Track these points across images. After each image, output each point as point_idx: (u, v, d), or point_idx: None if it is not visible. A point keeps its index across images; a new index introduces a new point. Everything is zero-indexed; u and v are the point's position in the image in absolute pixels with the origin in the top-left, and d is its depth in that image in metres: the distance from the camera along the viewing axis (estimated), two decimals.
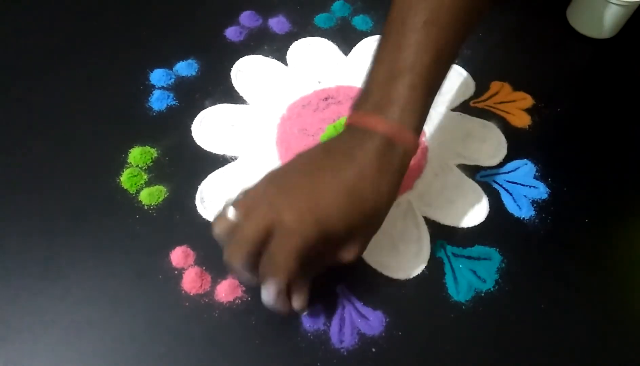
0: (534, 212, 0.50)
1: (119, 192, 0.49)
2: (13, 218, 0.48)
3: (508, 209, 0.50)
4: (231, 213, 0.37)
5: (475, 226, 0.49)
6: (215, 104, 0.56)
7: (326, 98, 0.57)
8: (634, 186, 0.53)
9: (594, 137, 0.56)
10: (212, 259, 0.46)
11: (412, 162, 0.40)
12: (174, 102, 0.56)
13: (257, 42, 0.62)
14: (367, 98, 0.40)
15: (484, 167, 0.53)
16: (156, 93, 0.56)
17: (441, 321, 0.44)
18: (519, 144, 0.55)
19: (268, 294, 0.38)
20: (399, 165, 0.39)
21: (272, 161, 0.52)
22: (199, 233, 0.47)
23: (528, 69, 0.61)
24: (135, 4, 0.65)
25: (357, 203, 0.37)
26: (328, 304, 0.44)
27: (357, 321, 0.43)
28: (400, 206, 0.49)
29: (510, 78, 0.59)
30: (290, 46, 0.61)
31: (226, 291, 0.44)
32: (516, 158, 0.54)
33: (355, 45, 0.62)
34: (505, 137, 0.55)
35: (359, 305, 0.44)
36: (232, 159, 0.52)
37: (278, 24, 0.63)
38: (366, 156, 0.37)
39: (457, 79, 0.59)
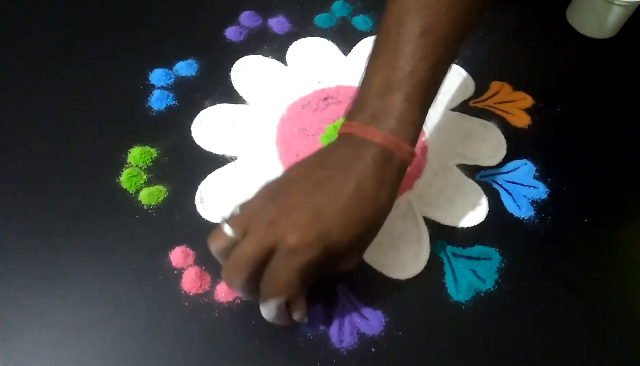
0: (533, 212, 0.50)
1: (118, 192, 0.49)
2: (13, 218, 0.48)
3: (508, 209, 0.50)
4: (228, 229, 0.37)
5: (475, 226, 0.49)
6: (215, 104, 0.56)
7: (326, 98, 0.57)
8: (634, 186, 0.53)
9: (593, 137, 0.56)
10: (211, 259, 0.45)
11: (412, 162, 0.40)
12: (174, 102, 0.56)
13: (257, 42, 0.62)
14: (362, 108, 0.39)
15: (484, 167, 0.53)
16: (156, 93, 0.56)
17: (441, 321, 0.44)
18: (518, 144, 0.55)
19: (269, 311, 0.38)
20: (396, 176, 0.39)
21: (272, 161, 0.52)
22: (198, 233, 0.47)
23: (528, 69, 0.61)
24: (135, 4, 0.65)
25: (357, 216, 0.37)
26: (328, 304, 0.44)
27: (356, 321, 0.43)
28: (400, 206, 0.49)
29: (510, 78, 0.59)
30: (290, 46, 0.62)
31: (226, 291, 0.44)
32: (516, 158, 0.54)
33: (355, 45, 0.62)
34: (505, 137, 0.55)
35: (358, 305, 0.44)
36: (231, 159, 0.52)
37: (278, 24, 0.63)
38: (364, 168, 0.37)
39: (457, 79, 0.59)
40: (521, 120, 0.56)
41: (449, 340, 0.43)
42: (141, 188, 0.50)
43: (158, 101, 0.56)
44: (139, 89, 0.57)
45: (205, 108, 0.56)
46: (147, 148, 0.52)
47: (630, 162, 0.55)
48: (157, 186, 0.50)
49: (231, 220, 0.37)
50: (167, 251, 0.46)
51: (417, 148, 0.40)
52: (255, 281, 0.37)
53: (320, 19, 0.64)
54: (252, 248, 0.35)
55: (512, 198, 0.51)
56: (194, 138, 0.53)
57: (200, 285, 0.45)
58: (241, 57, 0.60)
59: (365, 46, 0.62)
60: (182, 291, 0.44)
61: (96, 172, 0.50)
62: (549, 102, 0.58)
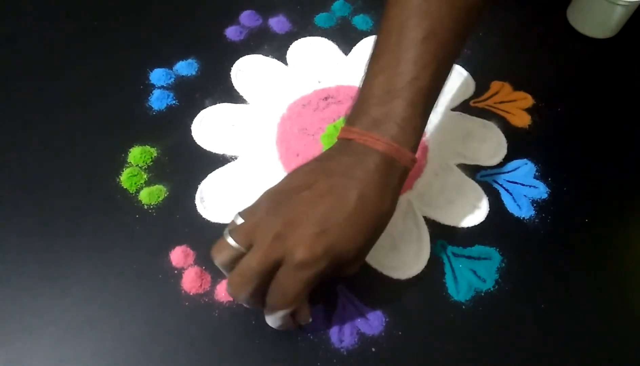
0: (534, 212, 0.50)
1: (118, 192, 0.49)
2: (13, 218, 0.48)
3: (508, 209, 0.50)
4: (232, 241, 0.36)
5: (475, 226, 0.49)
6: (215, 104, 0.56)
7: (326, 98, 0.57)
8: (634, 186, 0.53)
9: (594, 136, 0.56)
10: (211, 259, 0.46)
11: None
12: (174, 102, 0.56)
13: (257, 42, 0.62)
14: (363, 113, 0.39)
15: (484, 166, 0.53)
16: (156, 92, 0.56)
17: (441, 321, 0.44)
18: (519, 144, 0.54)
19: (275, 321, 0.38)
20: (398, 182, 0.39)
21: (272, 160, 0.52)
22: (198, 233, 0.47)
23: (528, 68, 0.61)
24: (135, 3, 0.65)
25: (362, 226, 0.37)
26: (328, 304, 0.44)
27: (357, 321, 0.43)
28: (400, 206, 0.49)
29: (510, 78, 0.59)
30: (291, 46, 0.61)
31: (226, 291, 0.44)
32: (516, 158, 0.54)
33: (355, 44, 0.62)
34: (506, 137, 0.55)
35: (359, 304, 0.44)
36: (232, 159, 0.52)
37: (278, 23, 0.63)
38: (367, 176, 0.37)
39: (457, 78, 0.59)
40: (521, 119, 0.56)
41: (449, 340, 0.43)
42: (141, 188, 0.50)
43: (158, 101, 0.56)
44: (139, 88, 0.57)
45: (206, 107, 0.56)
46: (148, 147, 0.52)
47: (630, 162, 0.55)
48: (157, 186, 0.50)
49: (235, 230, 0.37)
50: (167, 251, 0.46)
51: (418, 148, 0.40)
52: (260, 293, 0.37)
53: (320, 19, 0.64)
54: (258, 262, 0.35)
55: (513, 198, 0.51)
56: (194, 138, 0.53)
57: (201, 285, 0.45)
58: (241, 56, 0.60)
59: (365, 46, 0.62)
60: (182, 291, 0.44)
61: (96, 172, 0.50)
62: (549, 102, 0.58)
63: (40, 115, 0.54)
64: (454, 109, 0.57)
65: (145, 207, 0.49)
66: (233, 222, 0.38)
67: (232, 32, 0.62)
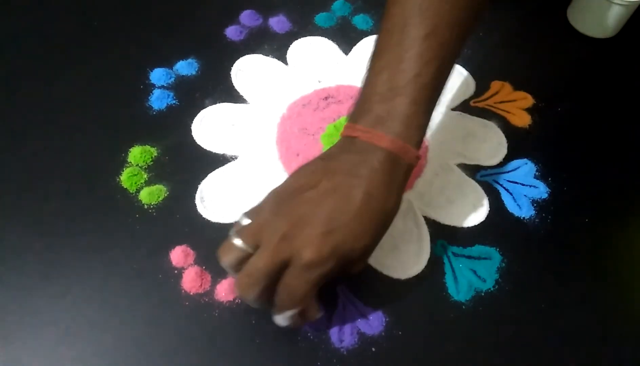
0: (534, 212, 0.50)
1: (118, 191, 0.49)
2: (13, 218, 0.48)
3: (508, 209, 0.50)
4: (239, 242, 0.36)
5: (475, 225, 0.49)
6: (215, 103, 0.56)
7: (326, 98, 0.57)
8: (634, 186, 0.53)
9: (594, 136, 0.56)
10: (212, 258, 0.46)
11: None
12: (174, 101, 0.56)
13: (257, 41, 0.62)
14: (366, 111, 0.39)
15: (484, 166, 0.53)
16: (156, 92, 0.56)
17: (441, 321, 0.44)
18: (519, 144, 0.54)
19: (284, 320, 0.38)
20: (402, 179, 0.39)
21: (273, 160, 0.52)
22: (199, 233, 0.47)
23: (528, 68, 0.61)
24: (136, 3, 0.64)
25: (368, 224, 0.37)
26: (328, 304, 0.44)
27: (357, 321, 0.43)
28: (400, 206, 0.49)
29: (510, 77, 0.59)
30: (291, 45, 0.61)
31: (226, 290, 0.44)
32: (516, 158, 0.54)
33: (355, 44, 0.62)
34: (506, 137, 0.55)
35: (359, 304, 0.44)
36: (232, 158, 0.52)
37: (278, 23, 0.63)
38: (371, 174, 0.37)
39: (457, 78, 0.59)
40: (522, 119, 0.56)
41: (449, 339, 0.43)
42: (141, 188, 0.50)
43: (158, 100, 0.56)
44: (140, 88, 0.57)
45: (206, 107, 0.56)
46: (148, 147, 0.52)
47: (630, 162, 0.55)
48: (157, 185, 0.50)
49: (241, 231, 0.37)
50: (168, 250, 0.46)
51: (419, 161, 0.40)
52: (268, 294, 0.37)
53: (320, 18, 0.64)
54: (265, 262, 0.35)
55: (513, 197, 0.51)
56: (195, 138, 0.53)
57: (201, 285, 0.45)
58: (241, 56, 0.60)
59: (365, 45, 0.62)
60: (183, 291, 0.44)
61: (96, 171, 0.50)
62: (549, 102, 0.58)
63: (41, 115, 0.54)
64: (454, 109, 0.57)
65: (146, 206, 0.49)
66: (238, 222, 0.38)
67: (232, 32, 0.62)
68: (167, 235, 0.47)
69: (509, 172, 0.53)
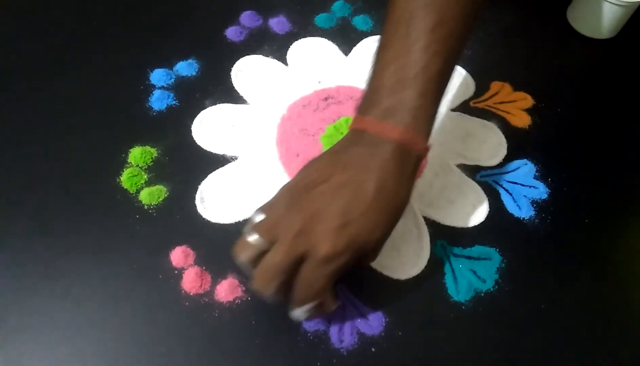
0: (533, 212, 0.50)
1: (119, 192, 0.49)
2: (13, 218, 0.48)
3: (508, 209, 0.50)
4: (254, 239, 0.37)
5: (475, 226, 0.49)
6: (215, 104, 0.56)
7: (326, 98, 0.57)
8: (634, 186, 0.53)
9: (594, 137, 0.56)
10: (212, 259, 0.46)
11: None
12: (174, 102, 0.56)
13: (257, 42, 0.62)
14: (375, 104, 0.39)
15: (484, 167, 0.53)
16: (156, 93, 0.56)
17: (441, 321, 0.44)
18: (519, 144, 0.55)
19: (302, 314, 0.38)
20: (413, 169, 0.39)
21: (273, 161, 0.52)
22: (199, 233, 0.47)
23: (528, 69, 0.61)
24: (136, 4, 0.65)
25: (381, 216, 0.37)
26: None
27: (357, 321, 0.43)
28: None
29: (510, 78, 0.59)
30: (291, 46, 0.62)
31: (226, 291, 0.44)
32: (516, 159, 0.54)
33: (355, 45, 0.62)
34: (506, 137, 0.55)
35: (359, 304, 0.44)
36: (232, 159, 0.52)
37: (278, 24, 0.63)
38: (383, 167, 0.37)
39: (457, 79, 0.59)
40: (521, 120, 0.56)
41: (449, 340, 0.43)
42: (142, 188, 0.50)
43: (158, 101, 0.56)
44: (140, 88, 0.57)
45: (206, 108, 0.56)
46: (148, 148, 0.52)
47: (630, 162, 0.55)
48: (157, 186, 0.50)
49: (256, 228, 0.37)
50: (168, 251, 0.46)
51: (428, 151, 0.40)
52: (285, 288, 0.37)
53: (320, 19, 0.64)
54: (282, 257, 0.36)
55: (513, 198, 0.51)
56: (195, 138, 0.53)
57: (201, 285, 0.45)
58: (242, 57, 0.60)
59: (365, 46, 0.62)
60: (183, 291, 0.44)
61: (97, 172, 0.50)
62: (549, 102, 0.58)
63: (41, 116, 0.54)
64: (454, 109, 0.57)
65: (146, 207, 0.49)
66: (252, 219, 0.38)
67: (232, 33, 0.62)
68: (167, 236, 0.47)
69: (508, 172, 0.53)
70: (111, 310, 0.43)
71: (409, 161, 0.38)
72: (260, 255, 0.37)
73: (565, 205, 0.51)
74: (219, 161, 0.52)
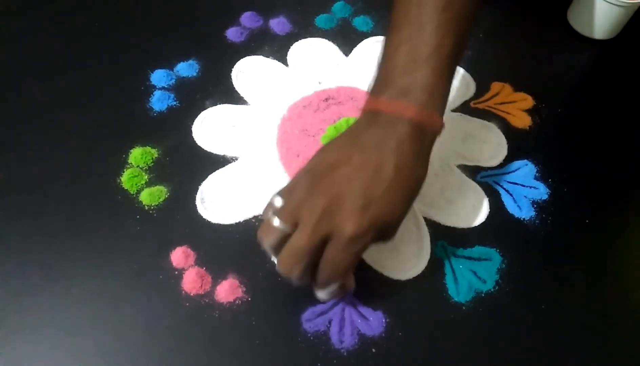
0: (534, 213, 0.50)
1: (119, 192, 0.49)
2: (14, 218, 0.48)
3: (508, 210, 0.50)
4: (278, 223, 0.37)
5: (475, 226, 0.49)
6: (215, 105, 0.56)
7: (327, 99, 0.57)
8: (634, 186, 0.53)
9: (594, 137, 0.56)
10: (212, 259, 0.46)
11: None
12: (175, 103, 0.56)
13: (257, 43, 0.62)
14: (389, 84, 0.40)
15: (485, 167, 0.53)
16: (157, 93, 0.56)
17: (441, 322, 0.44)
18: (519, 145, 0.55)
19: (327, 294, 0.39)
20: (429, 147, 0.40)
21: (273, 162, 0.52)
22: (199, 234, 0.47)
23: (529, 69, 0.61)
24: (136, 4, 0.65)
25: (401, 195, 0.38)
26: (328, 304, 0.44)
27: (357, 322, 0.43)
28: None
29: (510, 79, 0.59)
30: (291, 47, 0.62)
31: (226, 291, 0.44)
32: (517, 159, 0.54)
33: (355, 46, 0.62)
34: (506, 138, 0.55)
35: (359, 305, 0.44)
36: (232, 160, 0.52)
37: (279, 24, 0.63)
38: (401, 146, 0.38)
39: (457, 79, 0.59)
40: (522, 120, 0.56)
41: (449, 340, 0.43)
42: (142, 189, 0.50)
43: (159, 102, 0.56)
44: (140, 89, 0.57)
45: (206, 108, 0.56)
46: (148, 148, 0.52)
47: (630, 163, 0.55)
48: (158, 186, 0.50)
49: (279, 212, 0.37)
50: (168, 251, 0.46)
51: (443, 129, 0.41)
52: (310, 270, 0.38)
53: (321, 20, 0.64)
54: (307, 240, 0.36)
55: (513, 198, 0.51)
56: (195, 139, 0.53)
57: (201, 286, 0.45)
58: (242, 57, 0.60)
59: (366, 47, 0.62)
60: (183, 292, 0.44)
61: (97, 173, 0.50)
62: (549, 103, 0.58)
63: (41, 116, 0.54)
64: (454, 110, 0.57)
65: (146, 207, 0.49)
66: (271, 204, 0.39)
67: (232, 33, 0.62)
68: (168, 236, 0.47)
69: (509, 173, 0.53)
70: (111, 310, 0.44)
71: (425, 139, 0.39)
72: (284, 240, 0.37)
73: (566, 206, 0.51)
74: (220, 162, 0.52)
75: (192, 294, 0.44)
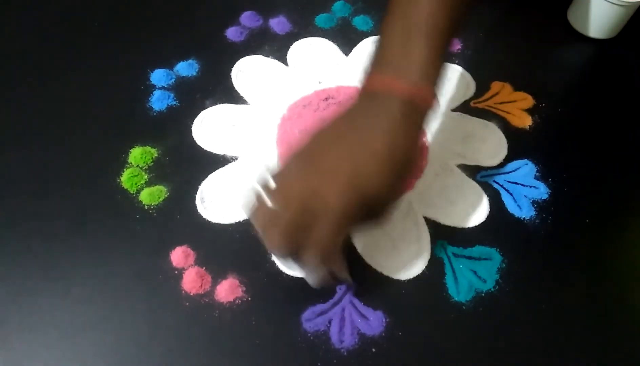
0: (534, 212, 0.50)
1: (119, 192, 0.49)
2: (14, 218, 0.48)
3: (508, 209, 0.50)
4: (270, 202, 0.38)
5: (475, 226, 0.49)
6: (215, 104, 0.56)
7: (327, 99, 0.57)
8: (634, 186, 0.53)
9: (594, 137, 0.56)
10: (212, 259, 0.46)
11: None
12: (175, 102, 0.56)
13: (257, 42, 0.62)
14: (383, 61, 0.40)
15: (485, 167, 0.53)
16: (157, 93, 0.56)
17: (441, 321, 0.44)
18: (519, 144, 0.54)
19: (315, 276, 0.40)
20: (421, 123, 0.40)
21: (273, 161, 0.52)
22: (199, 233, 0.47)
23: (529, 69, 0.61)
24: (136, 4, 0.65)
25: (390, 166, 0.38)
26: (328, 304, 0.44)
27: (357, 321, 0.43)
28: (400, 207, 0.49)
29: (510, 78, 0.59)
30: (291, 46, 0.62)
31: (226, 291, 0.44)
32: (517, 159, 0.53)
33: (355, 45, 0.62)
34: (506, 137, 0.55)
35: (359, 305, 0.44)
36: (232, 159, 0.52)
37: (279, 24, 0.63)
38: (394, 126, 0.38)
39: (457, 79, 0.59)
40: (522, 120, 0.56)
41: (449, 340, 0.43)
42: (142, 188, 0.50)
43: (159, 101, 0.56)
44: (140, 89, 0.57)
45: (206, 108, 0.56)
46: (148, 148, 0.52)
47: (631, 163, 0.55)
48: (157, 186, 0.50)
49: (272, 195, 0.38)
50: (168, 251, 0.46)
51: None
52: (297, 246, 0.38)
53: (321, 20, 0.64)
54: (292, 211, 0.36)
55: (513, 198, 0.51)
56: (195, 139, 0.53)
57: (201, 285, 0.45)
58: (242, 57, 0.60)
59: (366, 46, 0.62)
60: (183, 292, 0.44)
61: (97, 172, 0.50)
62: (549, 103, 0.58)
63: (41, 116, 0.54)
64: (454, 110, 0.57)
65: (146, 207, 0.49)
66: (263, 180, 0.39)
67: (232, 33, 0.62)
68: (168, 236, 0.47)
69: (509, 172, 0.53)
70: (111, 310, 0.43)
71: (418, 115, 0.39)
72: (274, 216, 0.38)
73: (566, 205, 0.51)
74: (219, 161, 0.52)
75: (192, 294, 0.44)
